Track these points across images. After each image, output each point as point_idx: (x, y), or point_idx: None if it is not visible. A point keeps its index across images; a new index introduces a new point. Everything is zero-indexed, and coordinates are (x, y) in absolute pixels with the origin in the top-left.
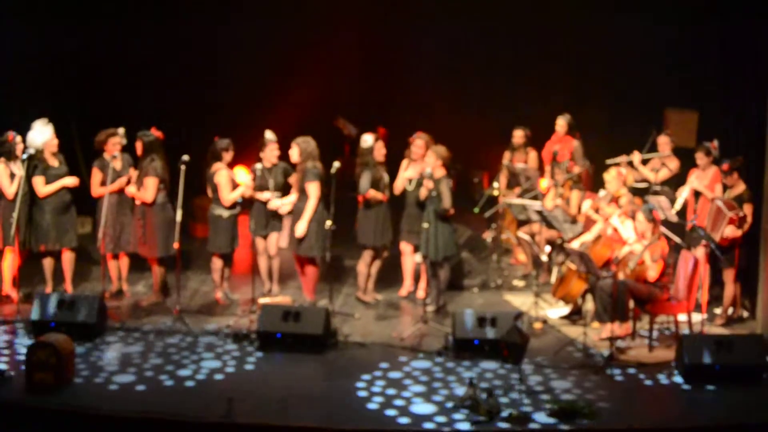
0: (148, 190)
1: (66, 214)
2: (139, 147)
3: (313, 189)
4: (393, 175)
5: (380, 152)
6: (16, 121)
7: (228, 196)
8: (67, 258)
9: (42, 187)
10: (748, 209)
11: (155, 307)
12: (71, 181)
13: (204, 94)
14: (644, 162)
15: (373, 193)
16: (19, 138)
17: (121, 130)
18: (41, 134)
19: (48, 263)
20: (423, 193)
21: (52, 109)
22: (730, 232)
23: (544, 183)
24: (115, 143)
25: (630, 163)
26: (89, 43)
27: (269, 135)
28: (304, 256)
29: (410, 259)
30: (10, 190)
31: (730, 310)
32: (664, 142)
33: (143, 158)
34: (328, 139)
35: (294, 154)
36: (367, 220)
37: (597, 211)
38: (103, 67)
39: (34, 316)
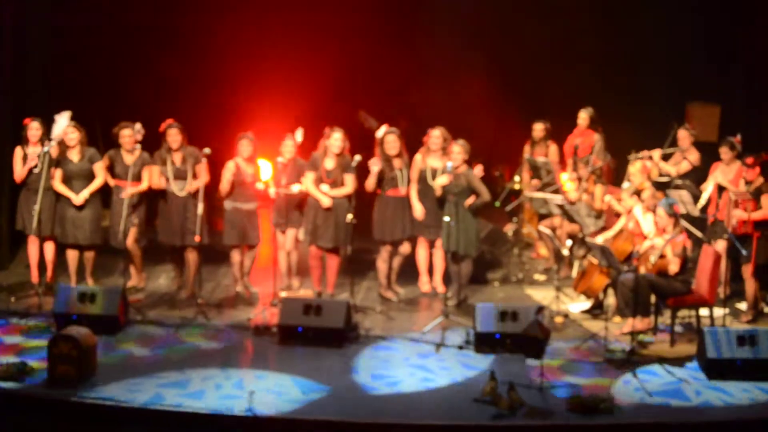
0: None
1: (82, 211)
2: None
3: (351, 180)
4: None
5: (391, 146)
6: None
7: (221, 186)
8: (86, 254)
9: (54, 180)
10: (766, 200)
11: (177, 300)
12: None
13: (227, 89)
14: (665, 157)
15: (371, 185)
16: (35, 124)
17: (137, 126)
18: (58, 126)
19: (72, 255)
20: (440, 182)
21: (77, 110)
22: (737, 215)
23: (564, 177)
24: (124, 136)
25: (650, 159)
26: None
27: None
28: (328, 248)
29: (424, 253)
30: (19, 174)
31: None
32: (683, 135)
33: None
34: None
35: (338, 143)
36: (383, 214)
37: (619, 201)
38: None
39: (57, 309)
